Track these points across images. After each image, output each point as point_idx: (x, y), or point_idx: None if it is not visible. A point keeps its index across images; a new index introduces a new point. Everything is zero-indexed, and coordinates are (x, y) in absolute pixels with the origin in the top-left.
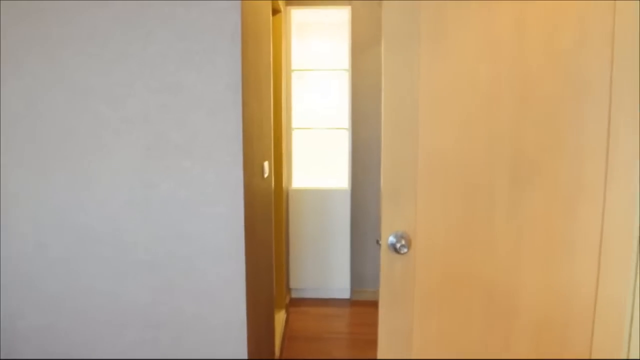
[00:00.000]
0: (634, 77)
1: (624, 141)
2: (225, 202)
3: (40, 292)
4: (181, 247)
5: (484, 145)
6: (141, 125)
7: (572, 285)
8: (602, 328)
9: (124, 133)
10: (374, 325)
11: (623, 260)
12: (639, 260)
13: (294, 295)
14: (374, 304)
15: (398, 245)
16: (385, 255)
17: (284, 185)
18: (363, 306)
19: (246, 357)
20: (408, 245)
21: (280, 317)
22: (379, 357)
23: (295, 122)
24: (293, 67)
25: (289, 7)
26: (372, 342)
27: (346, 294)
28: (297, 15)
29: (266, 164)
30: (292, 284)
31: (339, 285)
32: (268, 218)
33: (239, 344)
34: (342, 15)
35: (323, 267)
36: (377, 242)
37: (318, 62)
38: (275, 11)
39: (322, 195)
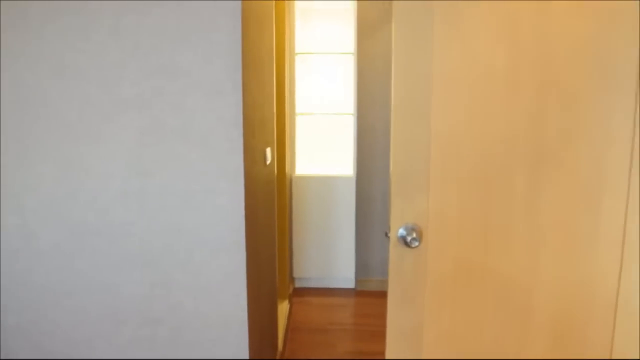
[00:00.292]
0: None
1: None
2: (224, 191)
3: (29, 286)
4: (178, 239)
5: (501, 133)
6: (135, 109)
7: (592, 282)
8: (623, 327)
9: (117, 118)
10: (379, 316)
11: None
12: None
13: (298, 284)
14: (379, 294)
15: (409, 239)
16: (394, 248)
17: (287, 172)
18: (368, 296)
19: (247, 355)
20: (419, 238)
21: (283, 307)
22: (387, 357)
23: (299, 107)
24: (297, 50)
25: None
26: (378, 334)
27: (351, 284)
28: (301, 4)
29: (268, 150)
30: (296, 273)
31: (344, 275)
32: (270, 206)
33: (240, 341)
34: (346, 4)
35: (327, 256)
36: (386, 234)
37: (323, 45)
38: None
39: (326, 183)
